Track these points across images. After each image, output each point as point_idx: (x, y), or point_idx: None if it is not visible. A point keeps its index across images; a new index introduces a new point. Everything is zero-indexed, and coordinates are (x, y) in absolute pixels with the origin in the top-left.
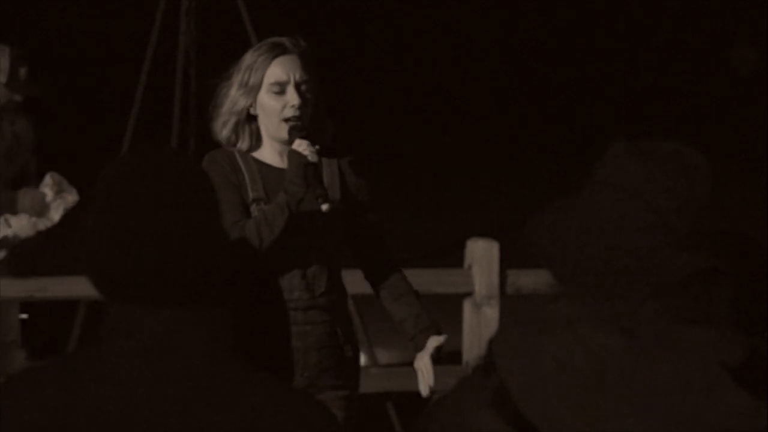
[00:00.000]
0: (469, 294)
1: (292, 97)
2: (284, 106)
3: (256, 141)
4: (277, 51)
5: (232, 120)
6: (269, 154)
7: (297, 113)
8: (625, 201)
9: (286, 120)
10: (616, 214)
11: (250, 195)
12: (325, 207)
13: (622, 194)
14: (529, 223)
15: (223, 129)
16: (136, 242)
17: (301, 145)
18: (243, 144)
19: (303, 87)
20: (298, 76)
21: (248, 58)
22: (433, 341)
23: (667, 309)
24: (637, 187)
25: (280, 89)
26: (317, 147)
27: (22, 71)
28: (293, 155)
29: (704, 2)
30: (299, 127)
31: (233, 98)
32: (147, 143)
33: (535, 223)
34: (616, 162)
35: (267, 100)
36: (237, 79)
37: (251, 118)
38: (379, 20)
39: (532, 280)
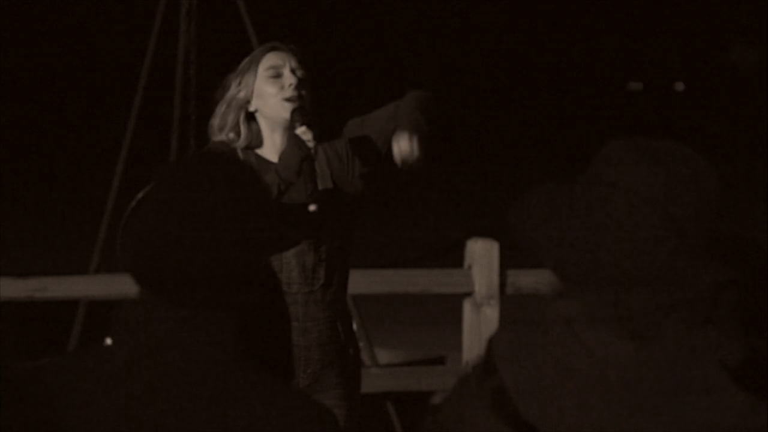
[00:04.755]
0: (469, 294)
1: (289, 77)
2: (282, 87)
3: (256, 139)
4: (270, 47)
5: (231, 117)
6: (270, 151)
7: (295, 93)
8: (641, 206)
9: (287, 99)
10: (631, 220)
11: None
12: (312, 207)
13: (636, 199)
14: (514, 208)
15: (222, 127)
16: (156, 242)
17: (305, 134)
18: (242, 141)
19: (298, 72)
20: (293, 63)
21: (242, 63)
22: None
23: (669, 309)
24: (650, 191)
25: (276, 72)
26: (315, 143)
27: None
28: (295, 140)
29: (704, 2)
30: (303, 110)
31: (230, 95)
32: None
33: (521, 210)
34: (626, 165)
35: (264, 86)
36: (234, 80)
37: (251, 117)
38: (379, 20)
39: (532, 280)
